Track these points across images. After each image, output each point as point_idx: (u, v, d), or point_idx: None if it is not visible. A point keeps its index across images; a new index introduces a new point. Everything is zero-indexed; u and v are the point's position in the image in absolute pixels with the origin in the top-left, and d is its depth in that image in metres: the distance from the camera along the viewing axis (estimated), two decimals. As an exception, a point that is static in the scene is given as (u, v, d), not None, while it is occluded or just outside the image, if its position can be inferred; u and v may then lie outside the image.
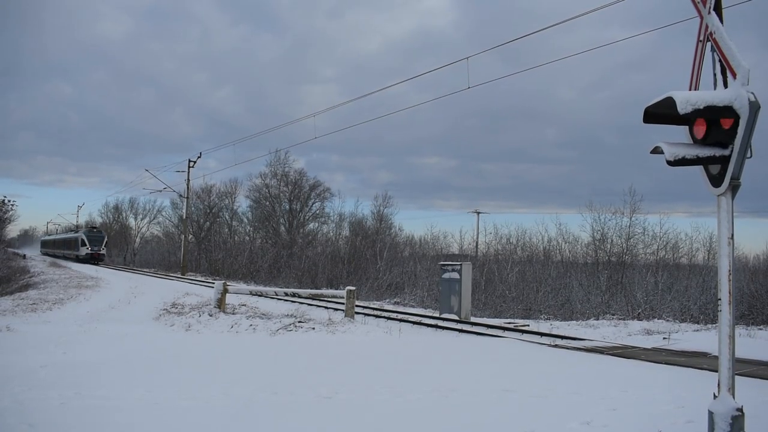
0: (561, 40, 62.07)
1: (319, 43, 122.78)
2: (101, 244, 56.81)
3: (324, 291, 23.60)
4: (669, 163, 3.68)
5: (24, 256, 53.47)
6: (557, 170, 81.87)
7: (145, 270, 47.71)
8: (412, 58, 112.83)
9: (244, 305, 16.43)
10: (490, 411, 6.06)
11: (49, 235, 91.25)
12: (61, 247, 66.75)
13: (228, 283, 15.45)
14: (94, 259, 54.52)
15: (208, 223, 51.12)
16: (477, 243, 37.68)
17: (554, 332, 14.04)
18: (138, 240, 72.49)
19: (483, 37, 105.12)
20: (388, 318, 16.91)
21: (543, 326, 16.10)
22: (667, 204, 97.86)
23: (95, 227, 64.71)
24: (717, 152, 3.66)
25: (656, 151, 3.80)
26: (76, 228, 72.27)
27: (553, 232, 32.16)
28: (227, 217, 51.31)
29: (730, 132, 3.61)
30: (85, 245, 55.27)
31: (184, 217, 43.84)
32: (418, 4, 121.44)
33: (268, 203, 45.52)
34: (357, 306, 15.80)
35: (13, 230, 72.96)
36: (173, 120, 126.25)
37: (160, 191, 46.23)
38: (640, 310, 20.86)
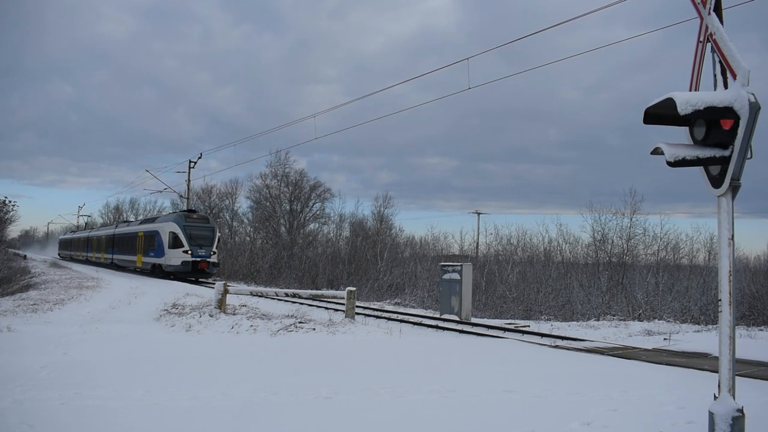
0: (564, 40, 62.26)
1: (322, 43, 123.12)
2: (212, 243, 29.76)
3: (324, 291, 23.59)
4: (669, 164, 3.68)
5: (24, 257, 53.53)
6: (559, 171, 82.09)
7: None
8: (415, 58, 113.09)
9: (245, 306, 16.43)
10: (491, 411, 6.06)
11: (75, 230, 62.87)
12: (108, 250, 40.91)
13: (228, 284, 15.44)
14: (197, 273, 29.14)
15: (208, 223, 50.93)
16: (477, 244, 37.76)
17: (555, 333, 14.05)
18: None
19: (486, 37, 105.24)
20: (389, 319, 16.92)
21: (543, 327, 16.11)
22: (667, 205, 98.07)
23: (194, 210, 34.38)
24: (717, 153, 3.66)
25: (656, 151, 3.80)
26: (155, 215, 47.59)
27: (554, 232, 32.34)
28: (228, 217, 51.40)
29: (730, 133, 3.61)
30: (180, 245, 28.73)
31: (185, 217, 43.51)
32: (420, 4, 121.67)
33: (268, 204, 45.59)
34: (357, 306, 15.80)
35: (14, 231, 71.58)
36: (175, 120, 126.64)
37: (161, 192, 45.82)
38: (640, 311, 20.86)
